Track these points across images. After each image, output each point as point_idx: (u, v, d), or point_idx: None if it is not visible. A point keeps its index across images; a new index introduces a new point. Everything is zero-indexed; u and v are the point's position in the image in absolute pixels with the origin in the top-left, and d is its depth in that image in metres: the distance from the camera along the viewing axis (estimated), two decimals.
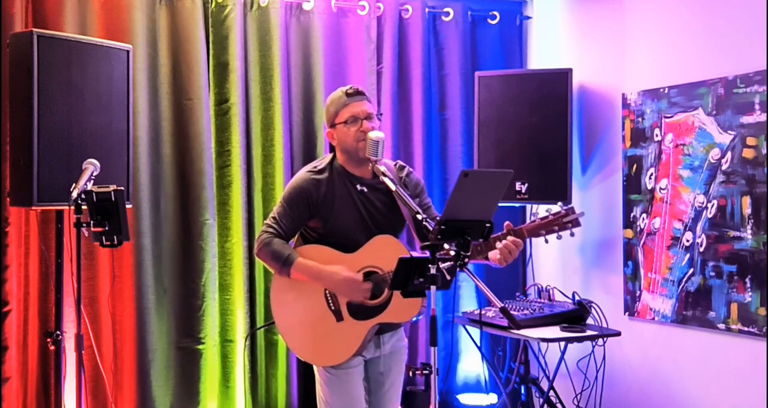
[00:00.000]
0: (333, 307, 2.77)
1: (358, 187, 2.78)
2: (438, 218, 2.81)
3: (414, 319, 2.77)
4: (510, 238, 2.56)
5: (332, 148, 2.88)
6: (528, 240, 2.68)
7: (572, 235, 2.64)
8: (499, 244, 2.56)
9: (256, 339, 4.05)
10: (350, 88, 2.78)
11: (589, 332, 3.71)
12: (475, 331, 4.16)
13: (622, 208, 4.04)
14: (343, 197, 2.76)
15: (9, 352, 3.54)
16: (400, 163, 2.91)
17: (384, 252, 2.72)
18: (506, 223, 2.59)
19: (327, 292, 2.78)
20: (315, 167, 2.82)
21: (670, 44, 3.79)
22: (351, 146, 2.74)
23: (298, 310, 2.80)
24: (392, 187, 2.63)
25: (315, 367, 2.86)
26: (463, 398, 4.42)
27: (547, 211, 2.64)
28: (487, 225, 2.26)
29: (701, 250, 3.59)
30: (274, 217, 2.80)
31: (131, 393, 3.82)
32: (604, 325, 3.84)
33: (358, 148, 2.72)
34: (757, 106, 3.34)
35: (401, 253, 2.66)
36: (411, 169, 2.91)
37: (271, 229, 2.77)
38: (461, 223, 2.22)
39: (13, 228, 3.56)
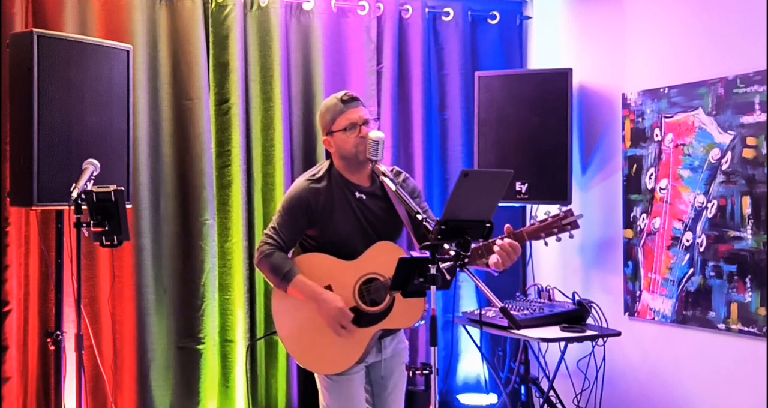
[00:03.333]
0: None
1: (357, 194, 2.77)
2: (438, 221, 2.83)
3: (416, 324, 2.77)
4: (507, 240, 2.53)
5: (329, 154, 2.88)
6: (528, 242, 2.68)
7: (571, 237, 2.65)
8: (497, 248, 2.54)
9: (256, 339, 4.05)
10: (345, 94, 2.77)
11: (589, 332, 3.71)
12: (475, 331, 4.16)
13: (622, 208, 4.04)
14: (342, 206, 2.75)
15: (9, 352, 3.54)
16: (396, 168, 2.89)
17: (384, 258, 2.72)
18: (506, 226, 2.58)
19: None
20: (313, 175, 2.80)
21: (670, 44, 3.79)
22: (350, 152, 2.73)
23: (299, 318, 2.78)
24: (392, 186, 2.63)
25: (316, 373, 2.86)
26: (463, 398, 4.42)
27: (546, 213, 2.64)
28: (487, 225, 2.26)
29: (701, 250, 3.59)
30: (274, 227, 2.78)
31: (131, 393, 3.82)
32: (604, 325, 3.84)
33: (358, 152, 2.72)
34: (757, 106, 3.33)
35: None
36: (408, 175, 2.90)
37: (271, 241, 2.76)
38: (461, 223, 2.22)
39: (13, 228, 3.56)
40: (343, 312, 2.71)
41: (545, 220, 2.60)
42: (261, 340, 4.02)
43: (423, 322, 2.78)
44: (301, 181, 2.81)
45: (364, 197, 2.78)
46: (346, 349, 2.74)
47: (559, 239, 2.63)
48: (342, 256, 2.75)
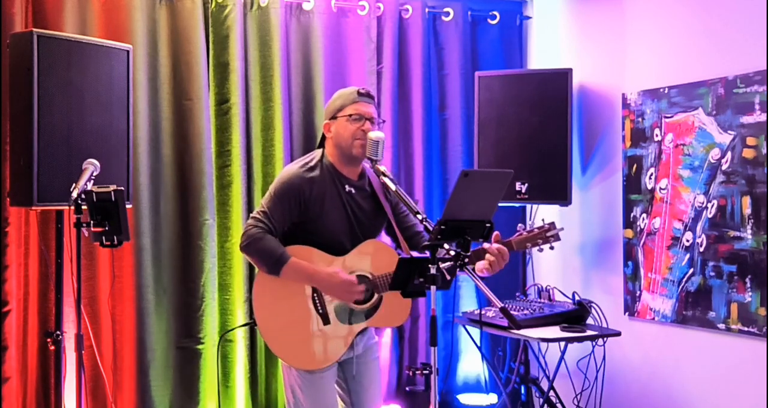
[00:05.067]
0: (320, 310, 2.75)
1: (347, 188, 2.78)
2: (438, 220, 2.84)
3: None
4: (495, 245, 2.61)
5: (320, 144, 2.88)
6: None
7: (552, 248, 2.86)
8: (489, 256, 2.60)
9: (256, 339, 4.05)
10: (363, 88, 2.79)
11: (589, 332, 3.71)
12: (475, 331, 4.16)
13: (622, 208, 4.04)
14: (333, 197, 2.75)
15: (9, 352, 3.54)
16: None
17: (374, 257, 2.74)
18: (495, 233, 2.61)
19: (314, 294, 2.76)
20: (306, 164, 2.78)
21: (670, 44, 3.79)
22: (346, 142, 2.73)
23: (282, 312, 2.76)
24: (392, 187, 2.63)
25: (283, 371, 2.83)
26: (463, 398, 4.42)
27: (529, 226, 2.86)
28: (487, 225, 2.27)
29: (701, 250, 3.59)
30: (264, 212, 2.72)
31: (131, 393, 3.82)
32: (604, 325, 3.84)
33: (352, 145, 2.72)
34: (757, 106, 3.33)
35: (391, 258, 2.68)
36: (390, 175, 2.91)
37: (262, 224, 2.70)
38: (461, 223, 2.22)
39: (13, 228, 3.56)
40: (349, 282, 2.69)
41: (531, 231, 2.80)
42: (242, 329, 3.97)
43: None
44: (294, 168, 2.78)
45: (353, 191, 2.78)
46: (330, 345, 2.74)
47: (541, 250, 2.84)
48: (326, 249, 2.74)
